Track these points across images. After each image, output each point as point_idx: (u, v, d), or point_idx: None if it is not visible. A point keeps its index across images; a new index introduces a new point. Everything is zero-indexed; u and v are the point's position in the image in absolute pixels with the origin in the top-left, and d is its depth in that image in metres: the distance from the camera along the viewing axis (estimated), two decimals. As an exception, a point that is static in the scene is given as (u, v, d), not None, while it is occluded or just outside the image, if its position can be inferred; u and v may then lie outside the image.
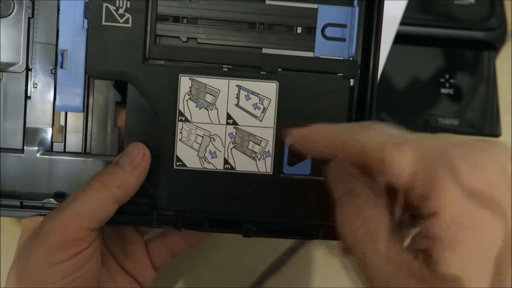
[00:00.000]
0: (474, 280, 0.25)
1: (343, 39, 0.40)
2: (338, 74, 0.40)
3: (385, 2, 0.56)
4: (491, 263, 0.25)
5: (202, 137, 0.40)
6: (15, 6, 0.40)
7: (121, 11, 0.40)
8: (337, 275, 0.57)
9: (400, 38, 0.58)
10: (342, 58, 0.40)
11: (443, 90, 0.59)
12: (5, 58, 0.40)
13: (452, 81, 0.60)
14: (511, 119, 0.61)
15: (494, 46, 0.61)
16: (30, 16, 0.40)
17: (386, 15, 0.58)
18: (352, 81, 0.40)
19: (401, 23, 0.58)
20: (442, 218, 0.26)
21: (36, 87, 0.41)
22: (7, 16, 0.40)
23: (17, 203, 0.40)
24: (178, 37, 0.40)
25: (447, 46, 0.61)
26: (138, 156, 0.38)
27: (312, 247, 0.57)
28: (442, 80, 0.60)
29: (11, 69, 0.40)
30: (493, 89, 0.60)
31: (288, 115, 0.40)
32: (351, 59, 0.40)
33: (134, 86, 0.40)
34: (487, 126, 0.59)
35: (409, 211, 0.30)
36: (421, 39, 0.60)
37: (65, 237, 0.36)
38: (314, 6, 0.40)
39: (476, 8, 0.61)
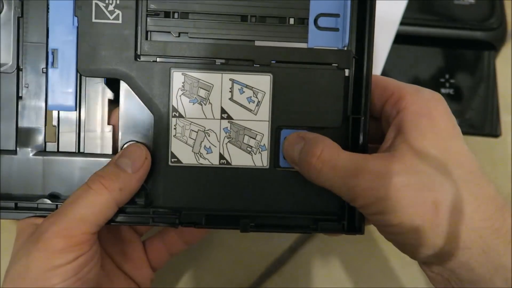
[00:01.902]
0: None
1: (336, 29, 0.40)
2: (333, 65, 0.40)
3: (385, 2, 0.56)
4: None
5: (197, 132, 0.39)
6: (4, 6, 0.40)
7: (111, 7, 0.39)
8: (337, 275, 0.56)
9: (400, 38, 0.58)
10: (336, 48, 0.40)
11: (443, 90, 0.59)
12: (-5, 58, 0.40)
13: (452, 81, 0.59)
14: (511, 119, 0.61)
15: (494, 46, 0.61)
16: (19, 16, 0.40)
17: (386, 15, 0.58)
18: (347, 71, 0.40)
19: (401, 23, 0.58)
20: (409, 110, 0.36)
21: (27, 87, 0.40)
22: (-4, 16, 0.40)
23: (12, 204, 0.40)
24: (170, 32, 0.40)
25: (447, 46, 0.60)
26: (141, 159, 0.38)
27: (312, 247, 0.57)
28: (442, 80, 0.59)
29: (1, 69, 0.40)
30: (493, 89, 0.59)
31: (283, 108, 0.40)
32: (345, 49, 0.40)
33: (127, 83, 0.39)
34: (487, 126, 0.58)
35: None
36: (421, 39, 0.60)
37: (67, 242, 0.35)
38: (306, -4, 0.40)
39: (476, 8, 0.61)
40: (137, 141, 0.40)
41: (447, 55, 0.60)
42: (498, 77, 0.60)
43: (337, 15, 0.40)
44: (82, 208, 0.36)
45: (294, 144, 0.38)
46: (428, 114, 0.35)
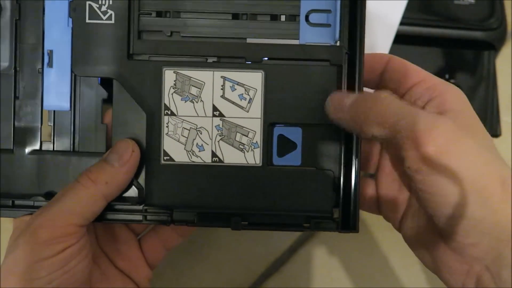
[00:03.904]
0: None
1: (328, 25, 0.40)
2: (325, 61, 0.40)
3: (385, 2, 0.56)
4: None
5: (189, 130, 0.40)
6: (2, 9, 0.41)
7: (104, 8, 0.40)
8: (337, 275, 0.56)
9: (400, 38, 0.58)
10: (328, 44, 0.40)
11: (443, 90, 0.59)
12: (-7, 59, 0.41)
13: (452, 81, 0.59)
14: (511, 119, 0.61)
15: (494, 46, 0.61)
16: (17, 18, 0.40)
17: (386, 15, 0.58)
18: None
19: (401, 23, 0.58)
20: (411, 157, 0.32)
21: (24, 87, 0.41)
22: (-5, 20, 0.41)
23: (8, 202, 0.40)
24: (162, 31, 0.40)
25: (447, 46, 0.60)
26: (127, 153, 0.38)
27: (312, 247, 0.57)
28: (442, 80, 0.59)
29: (-1, 70, 0.41)
30: (493, 89, 0.59)
31: (276, 105, 0.40)
32: (337, 44, 0.40)
33: (120, 82, 0.40)
34: (487, 126, 0.58)
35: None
36: (421, 39, 0.60)
37: (52, 233, 0.36)
38: (297, -8, 0.40)
39: (476, 8, 0.61)
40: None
41: (447, 55, 0.60)
42: (498, 77, 0.60)
43: (328, 11, 0.40)
44: (68, 200, 0.37)
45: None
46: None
